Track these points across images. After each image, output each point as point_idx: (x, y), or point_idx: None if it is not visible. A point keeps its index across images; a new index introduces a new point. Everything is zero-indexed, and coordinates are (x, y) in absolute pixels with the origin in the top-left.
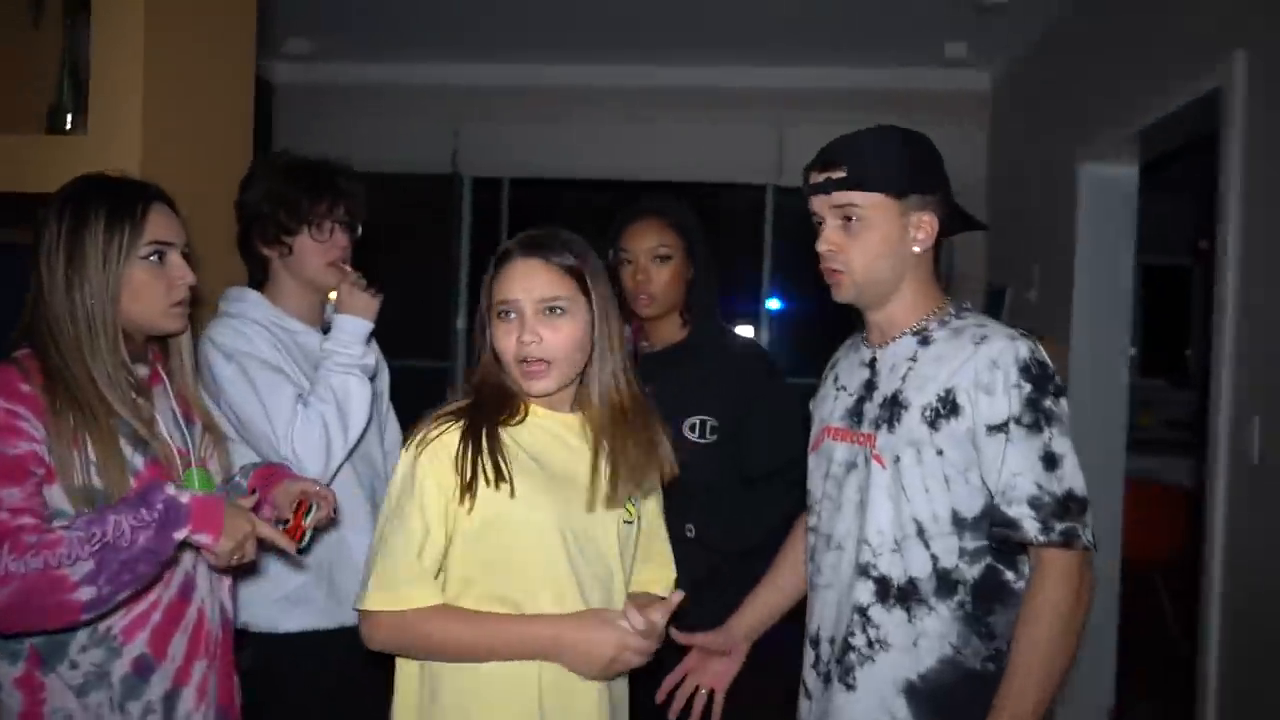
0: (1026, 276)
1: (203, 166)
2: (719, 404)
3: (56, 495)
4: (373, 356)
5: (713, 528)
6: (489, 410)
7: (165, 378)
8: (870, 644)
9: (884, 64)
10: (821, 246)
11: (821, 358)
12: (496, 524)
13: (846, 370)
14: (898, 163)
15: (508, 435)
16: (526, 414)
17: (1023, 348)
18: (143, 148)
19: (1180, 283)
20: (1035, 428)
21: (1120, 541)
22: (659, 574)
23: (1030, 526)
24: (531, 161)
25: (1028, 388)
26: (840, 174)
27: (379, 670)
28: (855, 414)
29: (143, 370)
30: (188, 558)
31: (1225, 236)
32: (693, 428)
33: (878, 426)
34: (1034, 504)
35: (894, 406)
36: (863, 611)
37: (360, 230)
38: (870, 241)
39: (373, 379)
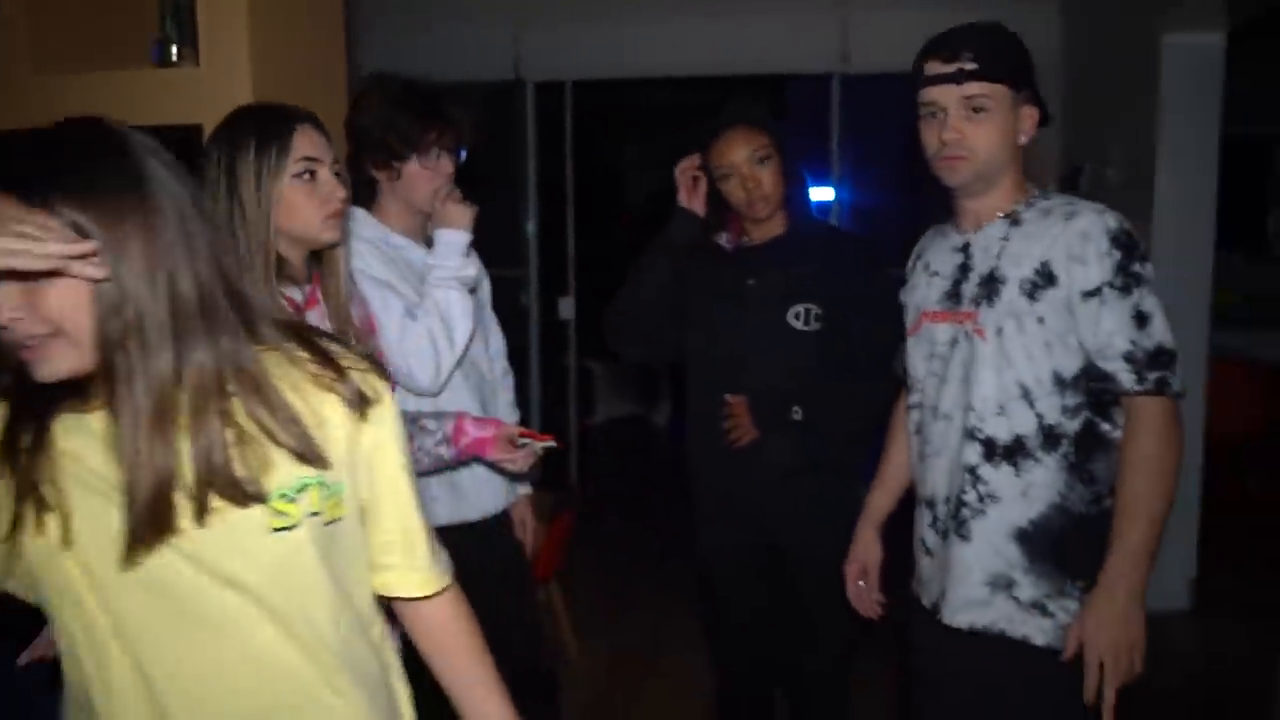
0: (1103, 155)
1: (306, 89)
2: (823, 292)
3: None
4: (473, 268)
5: (822, 411)
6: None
7: (322, 301)
8: (980, 499)
9: None
10: (946, 135)
11: (892, 246)
12: None
13: (937, 257)
14: (1014, 57)
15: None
16: None
17: (1110, 219)
18: (251, 76)
19: (1263, 154)
20: (1126, 290)
21: (1203, 418)
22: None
23: (1126, 378)
24: (593, 62)
25: (1117, 255)
26: (971, 65)
27: (493, 563)
28: (953, 295)
29: (297, 295)
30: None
31: None
32: (797, 315)
33: (977, 304)
34: (1128, 358)
35: (991, 283)
36: (972, 470)
37: (465, 155)
38: (992, 129)
39: (473, 290)
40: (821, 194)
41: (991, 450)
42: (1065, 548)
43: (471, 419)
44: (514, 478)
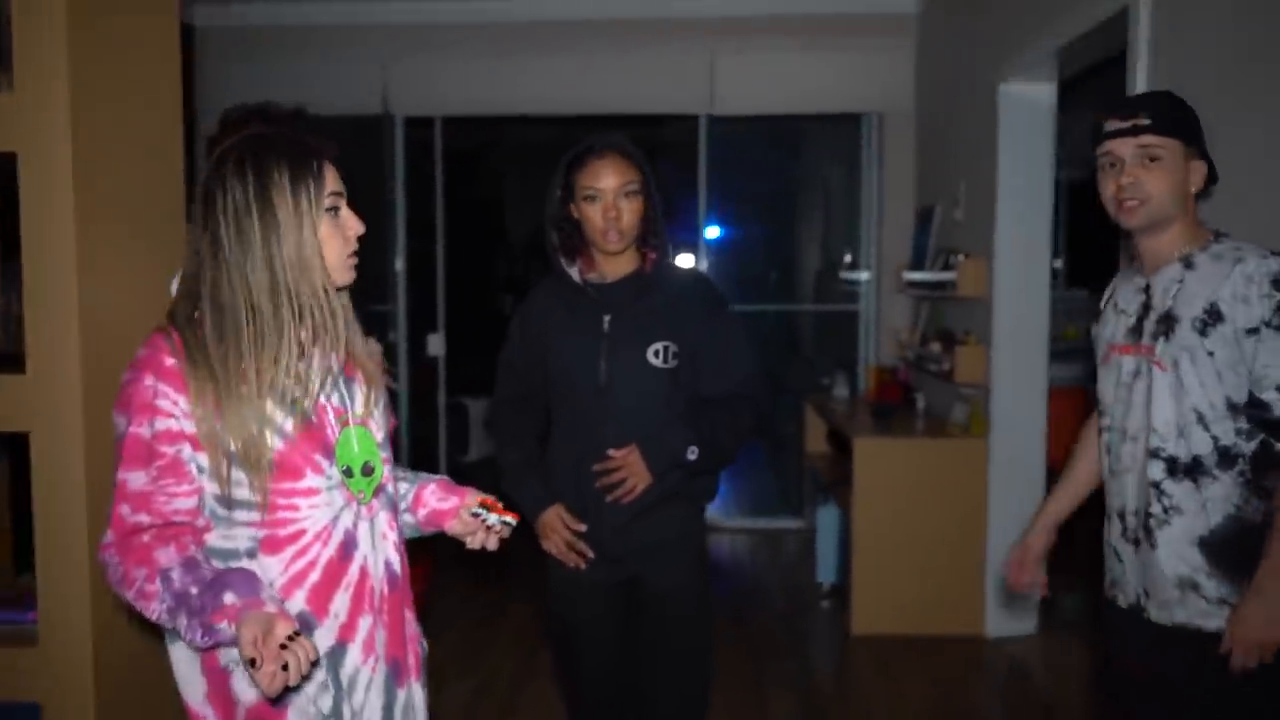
0: (953, 195)
1: (138, 120)
2: (678, 330)
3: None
4: None
5: (712, 449)
6: None
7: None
8: (1165, 511)
9: None
10: (1124, 180)
11: (755, 284)
12: None
13: (1124, 297)
14: (1185, 117)
15: None
16: None
17: (1274, 263)
18: (70, 104)
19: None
20: None
21: (1044, 447)
22: None
23: (1279, 408)
24: (464, 98)
25: (1278, 297)
26: (1146, 121)
27: None
28: (1136, 331)
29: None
30: (347, 515)
31: None
32: (656, 353)
33: (1156, 339)
34: None
35: (1168, 321)
36: (1156, 486)
37: None
38: (1164, 177)
39: None
40: (686, 248)
41: (1174, 468)
42: (1241, 553)
43: (436, 486)
44: None
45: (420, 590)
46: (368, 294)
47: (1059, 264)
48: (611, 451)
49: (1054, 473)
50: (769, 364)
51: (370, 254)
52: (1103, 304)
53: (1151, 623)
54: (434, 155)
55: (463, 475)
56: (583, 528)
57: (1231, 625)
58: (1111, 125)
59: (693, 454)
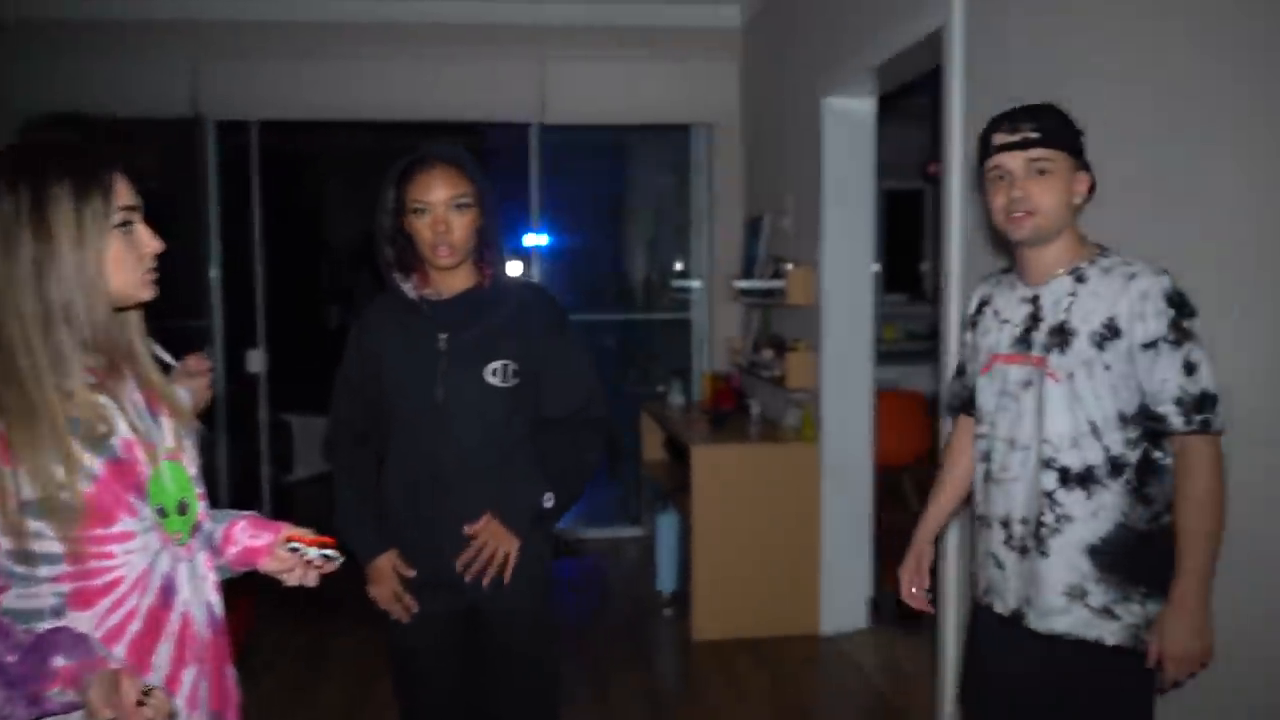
0: (781, 205)
1: None
2: (518, 348)
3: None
4: None
5: (565, 489)
6: None
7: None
8: (1057, 520)
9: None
10: (1015, 193)
11: (589, 293)
12: None
13: (1006, 306)
14: (1071, 129)
15: None
16: None
17: (1165, 281)
18: None
19: (915, 206)
20: (1177, 344)
21: (870, 446)
22: None
23: (1176, 420)
24: (283, 102)
25: (1172, 312)
26: (1034, 134)
27: None
28: (1023, 341)
29: (99, 361)
30: (165, 559)
31: (949, 162)
32: (495, 372)
33: (1049, 350)
34: (1177, 401)
35: (1062, 334)
36: (1049, 495)
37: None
38: (1054, 189)
39: None
40: (518, 257)
41: (1066, 477)
42: (1129, 560)
43: (246, 523)
44: None
45: (243, 631)
46: (181, 308)
47: (876, 268)
48: (468, 529)
49: (882, 472)
50: (606, 373)
51: (183, 265)
52: (972, 310)
53: (1030, 630)
54: (250, 161)
55: (288, 495)
56: (412, 573)
57: (1158, 641)
58: (999, 139)
59: (549, 501)
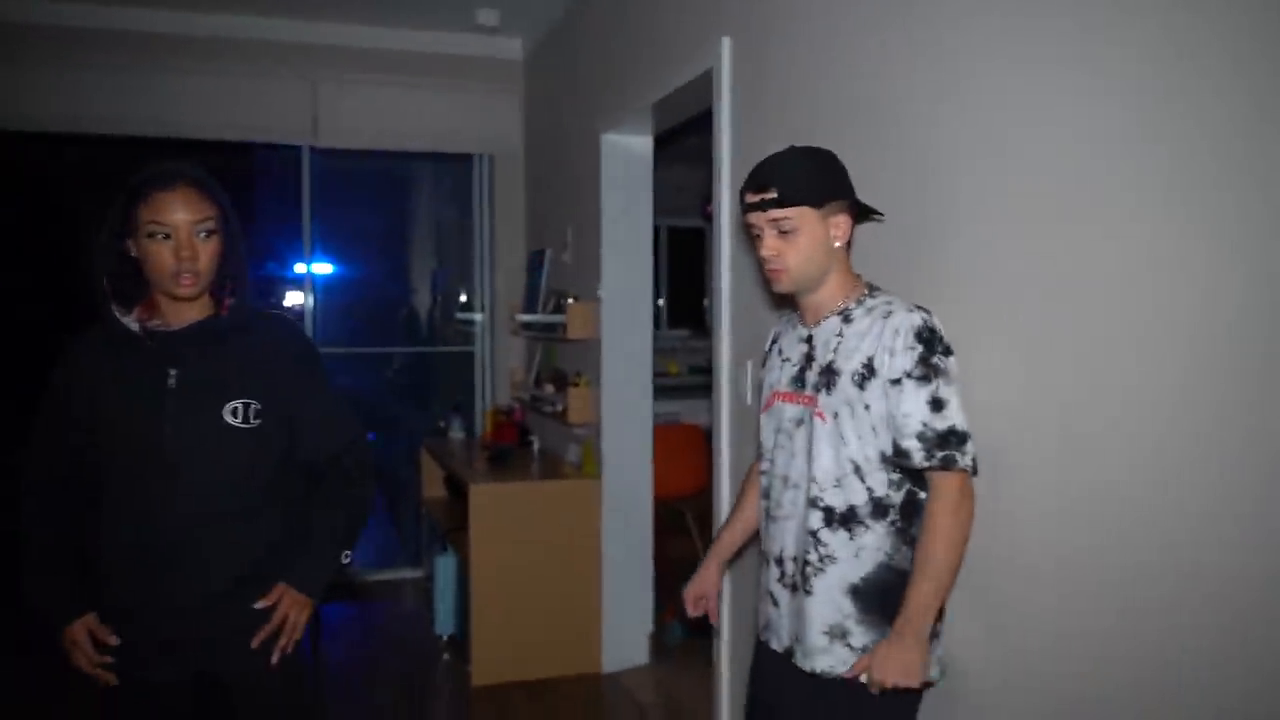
0: (562, 240)
1: None
2: (262, 385)
3: None
4: None
5: (351, 544)
6: None
7: None
8: (821, 559)
9: (418, 26)
10: (764, 252)
11: (370, 325)
12: None
13: (788, 345)
14: (815, 178)
15: None
16: None
17: (916, 318)
18: None
19: (700, 243)
20: (925, 379)
21: (650, 480)
22: None
23: (917, 456)
24: (21, 112)
25: (920, 349)
26: (772, 195)
27: None
28: (799, 380)
29: None
30: None
31: (720, 200)
32: (235, 411)
33: (818, 390)
34: (920, 437)
35: (830, 374)
36: (814, 534)
37: None
38: (801, 245)
39: None
40: (292, 286)
41: (830, 517)
42: (890, 600)
43: None
44: None
45: None
46: None
47: (661, 303)
48: (259, 605)
49: (663, 505)
50: (385, 409)
51: None
52: (766, 348)
53: (798, 669)
54: None
55: None
56: (115, 641)
57: (870, 662)
58: (748, 198)
59: (347, 558)
